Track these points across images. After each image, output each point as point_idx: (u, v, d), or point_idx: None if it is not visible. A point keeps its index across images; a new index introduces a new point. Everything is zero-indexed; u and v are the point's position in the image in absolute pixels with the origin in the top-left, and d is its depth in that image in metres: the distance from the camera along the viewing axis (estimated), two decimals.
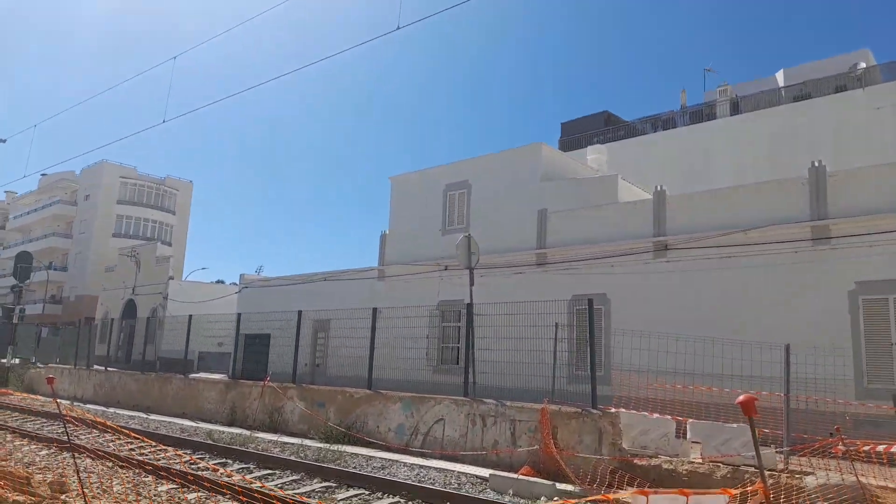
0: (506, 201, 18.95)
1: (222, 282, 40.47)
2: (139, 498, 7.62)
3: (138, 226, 54.87)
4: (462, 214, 20.09)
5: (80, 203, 56.81)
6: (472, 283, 13.32)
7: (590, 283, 15.86)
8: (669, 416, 10.52)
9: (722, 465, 9.06)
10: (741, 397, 3.03)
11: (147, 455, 10.07)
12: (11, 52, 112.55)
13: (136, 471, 8.88)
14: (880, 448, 7.97)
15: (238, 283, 28.46)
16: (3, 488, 6.42)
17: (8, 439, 11.89)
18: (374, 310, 14.38)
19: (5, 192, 66.20)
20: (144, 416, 17.27)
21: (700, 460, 9.36)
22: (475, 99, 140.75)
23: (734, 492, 2.60)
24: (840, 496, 7.45)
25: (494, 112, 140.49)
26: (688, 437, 10.20)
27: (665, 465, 9.34)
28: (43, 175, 59.00)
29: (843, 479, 7.63)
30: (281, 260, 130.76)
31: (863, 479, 7.38)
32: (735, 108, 28.16)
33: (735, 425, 9.45)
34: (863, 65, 25.87)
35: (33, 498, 6.51)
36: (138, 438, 8.22)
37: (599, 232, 16.55)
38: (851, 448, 7.62)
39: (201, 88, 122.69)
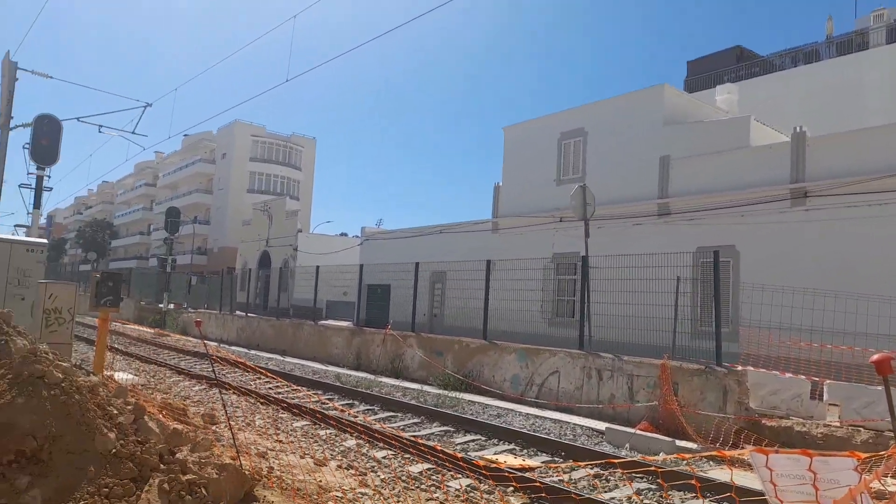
0: (625, 148, 18.14)
1: (346, 234, 42.49)
2: (278, 432, 8.40)
3: (269, 182, 58.57)
4: (577, 164, 19.53)
5: (217, 161, 61.47)
6: (587, 235, 13.05)
7: (717, 234, 14.97)
8: (804, 376, 9.86)
9: (863, 430, 8.42)
10: (876, 356, 2.82)
11: (283, 394, 11.01)
12: (152, 24, 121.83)
13: (275, 407, 9.76)
14: None
15: (360, 235, 29.80)
16: (165, 417, 7.33)
17: (168, 375, 13.48)
18: (488, 262, 14.52)
19: (155, 152, 72.86)
20: (280, 358, 18.82)
21: (838, 423, 8.75)
22: (596, 41, 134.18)
23: (864, 455, 2.40)
24: None
25: (615, 54, 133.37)
26: (824, 398, 9.54)
27: (797, 427, 8.83)
28: (185, 136, 64.20)
29: None
30: (400, 212, 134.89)
31: None
32: (893, 36, 24.69)
33: (880, 388, 8.69)
34: None
35: (189, 427, 7.36)
36: (275, 378, 8.99)
37: (728, 179, 15.46)
38: None
39: (321, 46, 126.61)
